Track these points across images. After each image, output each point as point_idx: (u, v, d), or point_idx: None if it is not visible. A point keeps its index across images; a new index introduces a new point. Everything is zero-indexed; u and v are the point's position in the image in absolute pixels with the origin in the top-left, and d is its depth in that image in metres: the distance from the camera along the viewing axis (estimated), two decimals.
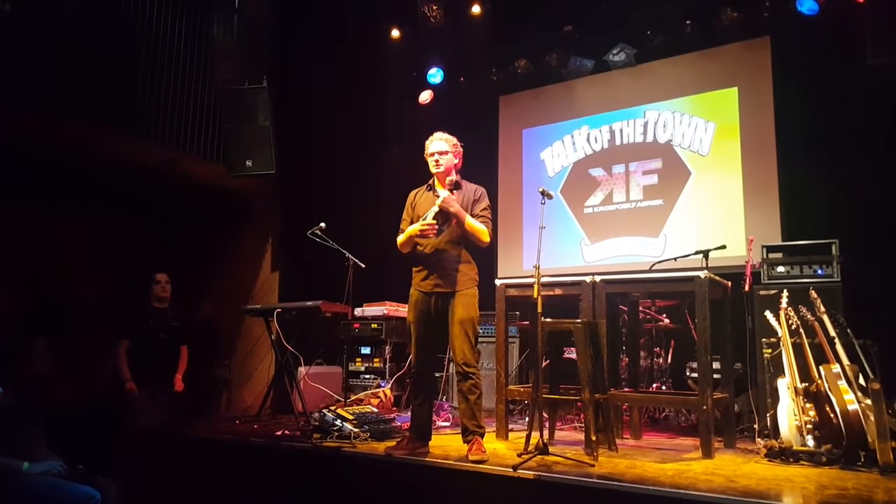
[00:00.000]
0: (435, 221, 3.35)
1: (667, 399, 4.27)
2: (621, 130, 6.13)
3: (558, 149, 6.45)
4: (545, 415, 3.63)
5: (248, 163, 5.41)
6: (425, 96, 6.71)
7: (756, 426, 3.90)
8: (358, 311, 5.21)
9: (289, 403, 4.43)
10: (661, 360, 4.90)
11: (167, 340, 4.60)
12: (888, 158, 4.50)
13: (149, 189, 5.48)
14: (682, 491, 2.63)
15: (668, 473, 2.97)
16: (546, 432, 3.49)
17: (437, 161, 3.49)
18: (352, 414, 3.85)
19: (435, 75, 6.63)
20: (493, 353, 4.37)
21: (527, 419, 4.06)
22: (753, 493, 2.64)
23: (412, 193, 3.62)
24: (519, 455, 3.13)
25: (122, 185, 5.27)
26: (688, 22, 5.60)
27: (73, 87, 4.55)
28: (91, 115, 4.67)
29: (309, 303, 4.36)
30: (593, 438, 3.32)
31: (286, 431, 3.96)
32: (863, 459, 3.20)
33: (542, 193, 3.52)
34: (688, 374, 4.74)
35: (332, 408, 3.95)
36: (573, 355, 4.23)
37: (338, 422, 3.74)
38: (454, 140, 3.57)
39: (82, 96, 4.59)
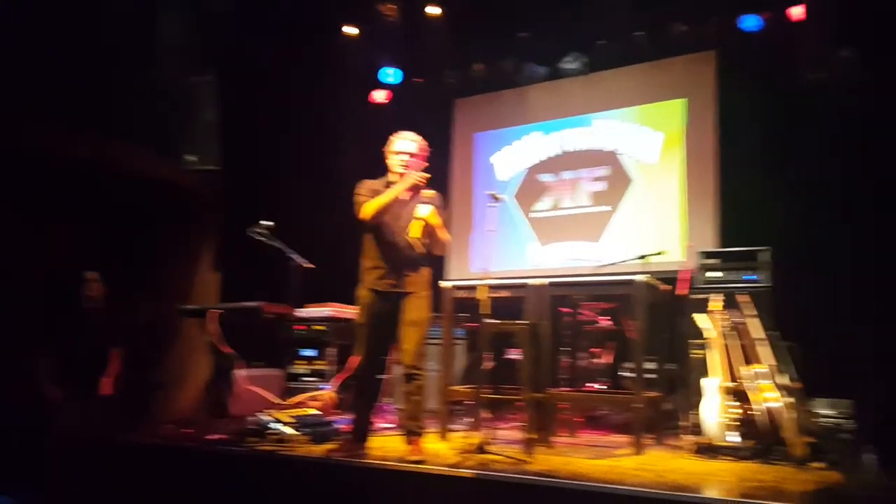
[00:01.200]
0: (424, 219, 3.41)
1: (602, 398, 4.54)
2: (571, 138, 6.41)
3: (510, 154, 6.70)
4: (487, 414, 3.83)
5: (192, 158, 5.41)
6: (380, 95, 6.86)
7: (685, 424, 4.20)
8: (302, 313, 5.27)
9: (226, 407, 4.46)
10: (600, 361, 5.17)
11: (98, 343, 4.58)
12: (821, 171, 4.88)
13: (82, 186, 5.41)
14: (612, 486, 2.86)
15: (601, 469, 3.20)
16: (487, 432, 3.69)
17: (404, 163, 3.49)
18: (291, 417, 3.90)
19: (391, 75, 6.79)
20: (438, 354, 4.54)
21: (470, 419, 4.25)
22: (680, 486, 2.89)
23: (370, 184, 3.57)
24: (459, 454, 3.32)
25: (53, 182, 5.18)
26: (639, 33, 5.91)
27: None
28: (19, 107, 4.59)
29: (250, 303, 4.42)
30: (531, 437, 3.54)
31: (220, 435, 3.95)
32: (781, 454, 3.52)
33: (492, 197, 3.70)
34: (623, 374, 5.03)
35: (271, 411, 4.00)
36: (517, 356, 4.44)
37: (274, 424, 3.79)
38: (425, 144, 3.59)
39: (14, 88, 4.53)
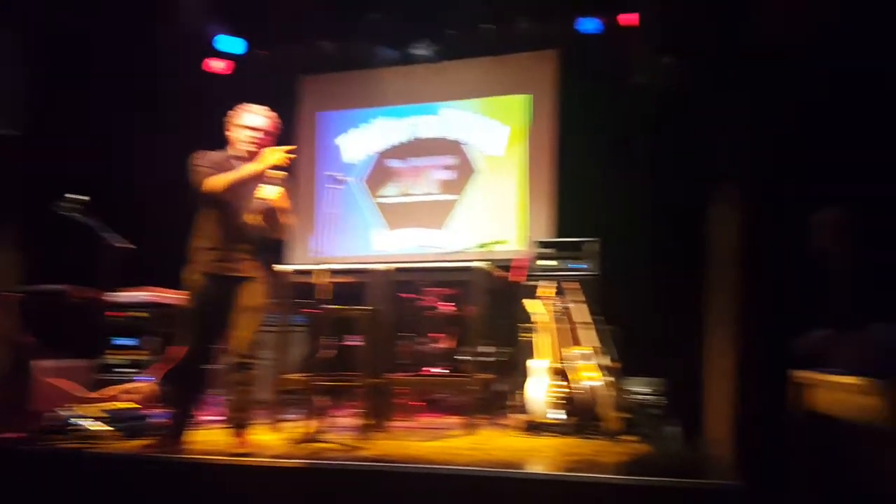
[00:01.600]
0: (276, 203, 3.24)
1: (438, 381, 4.67)
2: (420, 125, 6.49)
3: (358, 136, 6.65)
4: (326, 403, 3.79)
5: None
6: (217, 65, 6.49)
7: (516, 404, 4.45)
8: (115, 298, 4.78)
9: (24, 402, 4.02)
10: (441, 346, 5.32)
11: None
12: (650, 169, 5.32)
13: None
14: (443, 466, 2.96)
15: (433, 451, 3.30)
16: (323, 420, 3.65)
17: (254, 139, 3.32)
18: (102, 411, 3.59)
19: (234, 45, 6.45)
20: (273, 341, 4.41)
21: (305, 409, 4.18)
22: (506, 463, 3.05)
23: (211, 156, 3.34)
24: (290, 445, 3.26)
25: None
26: (487, 26, 6.08)
27: None
28: None
29: (53, 286, 4.01)
30: (368, 423, 3.56)
31: (17, 434, 3.53)
32: (599, 429, 3.84)
33: (334, 178, 3.64)
34: (462, 357, 5.23)
35: (76, 405, 3.65)
36: (359, 343, 4.44)
37: (77, 420, 3.47)
38: (278, 121, 3.42)
39: None
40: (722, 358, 3.53)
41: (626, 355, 4.47)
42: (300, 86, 6.82)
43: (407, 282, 4.84)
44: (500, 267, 4.67)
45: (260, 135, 3.35)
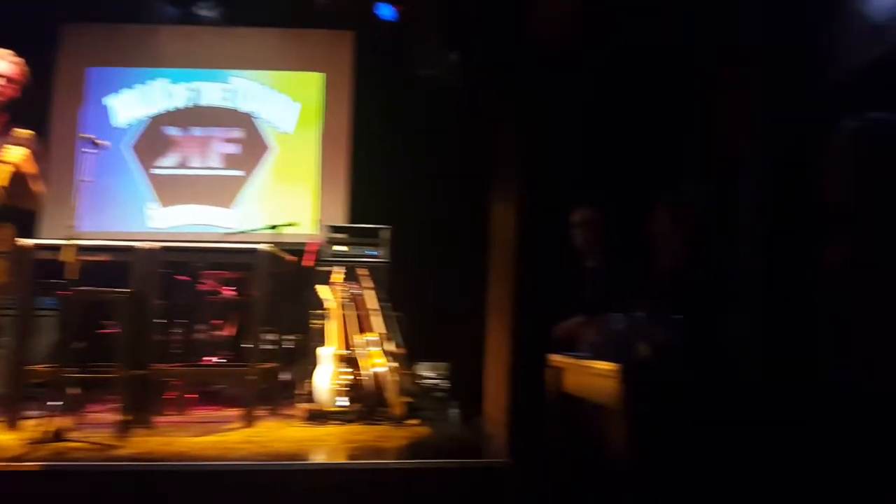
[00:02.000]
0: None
1: (213, 372, 4.44)
2: (205, 91, 6.05)
3: (130, 98, 6.02)
4: (77, 396, 3.39)
5: None
6: None
7: (302, 392, 4.38)
8: None
9: None
10: (223, 333, 5.05)
11: None
12: (441, 160, 5.48)
13: None
14: (211, 462, 2.80)
15: (203, 446, 3.11)
16: (73, 417, 3.27)
17: None
18: None
19: None
20: (13, 326, 3.85)
21: (54, 404, 3.71)
22: (282, 455, 2.97)
23: None
24: (28, 445, 2.87)
25: None
26: None
27: None
28: None
29: None
30: (126, 418, 3.26)
31: None
32: (383, 415, 3.91)
33: (91, 142, 3.26)
34: (246, 346, 5.03)
35: None
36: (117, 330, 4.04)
37: None
38: (25, 68, 2.99)
39: None
40: (499, 343, 3.78)
41: (413, 341, 4.62)
42: (63, 34, 6.02)
43: (185, 264, 4.52)
44: (291, 251, 4.55)
45: (2, 81, 2.95)
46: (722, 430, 1.40)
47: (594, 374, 1.66)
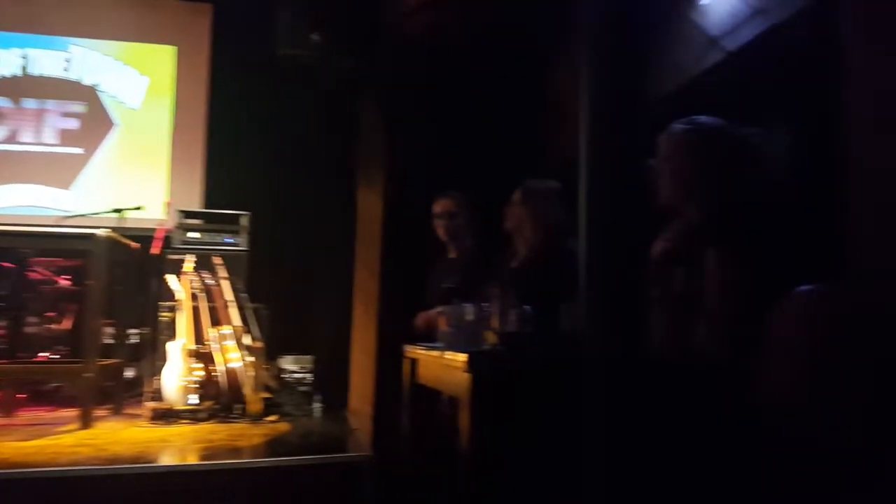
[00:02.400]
0: None
1: (45, 369, 4.09)
2: (39, 60, 5.52)
3: None
4: None
5: None
6: None
7: (149, 390, 4.14)
8: None
9: None
10: (58, 327, 4.66)
11: None
12: (305, 145, 5.33)
13: None
14: (35, 469, 2.56)
15: (29, 451, 2.85)
16: None
17: None
18: None
19: None
20: None
21: None
22: (120, 458, 2.77)
23: None
24: None
25: None
26: None
27: None
28: None
29: None
30: None
31: None
32: (239, 412, 3.77)
33: None
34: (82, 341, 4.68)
35: None
36: None
37: None
38: None
39: None
40: (365, 334, 3.77)
41: (275, 334, 4.49)
42: None
43: (9, 249, 4.11)
44: (138, 238, 4.26)
45: None
46: (566, 415, 1.46)
47: (444, 365, 1.69)
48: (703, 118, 1.79)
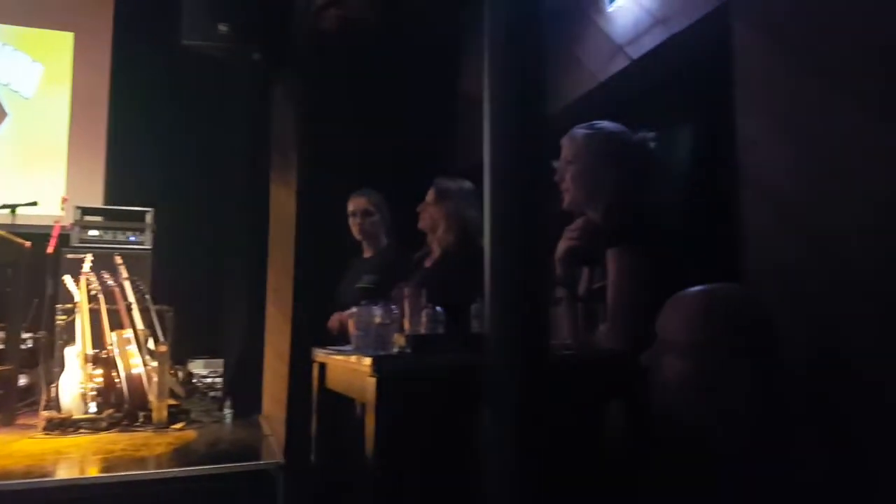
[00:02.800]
0: None
1: None
2: None
3: None
4: None
5: None
6: None
7: (46, 399, 3.95)
8: None
9: None
10: None
11: None
12: (213, 140, 5.18)
13: None
14: None
15: None
16: None
17: None
18: None
19: None
20: None
21: None
22: (11, 473, 2.60)
23: None
24: None
25: None
26: None
27: None
28: None
29: None
30: None
31: None
32: (142, 419, 3.64)
33: None
34: None
35: None
36: None
37: None
38: None
39: None
40: (279, 337, 3.71)
41: (184, 337, 4.35)
42: None
43: None
44: (31, 235, 4.05)
45: None
46: (473, 417, 1.50)
47: (352, 369, 1.70)
48: (603, 123, 1.88)
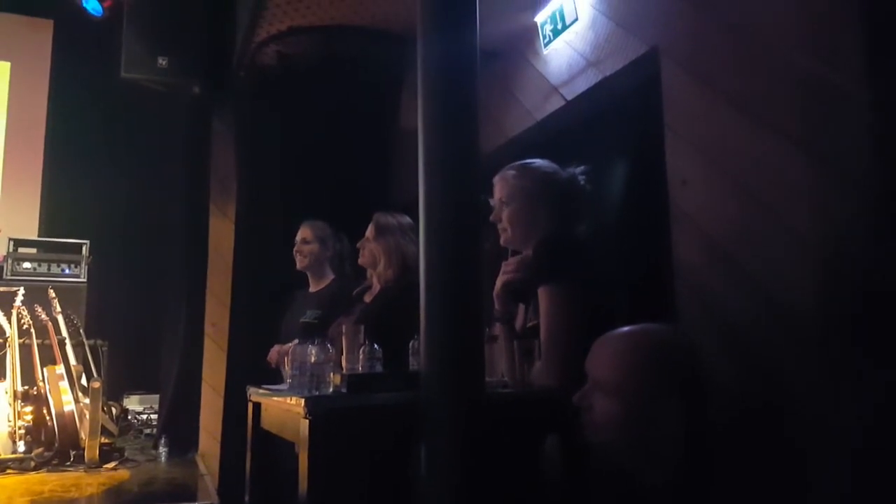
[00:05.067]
0: None
1: None
2: None
3: None
4: None
5: None
6: None
7: None
8: None
9: None
10: None
11: None
12: (153, 171, 5.00)
13: None
14: None
15: None
16: None
17: None
18: None
19: None
20: None
21: None
22: None
23: None
24: None
25: None
26: None
27: None
28: None
29: None
30: None
31: None
32: (73, 458, 3.43)
33: None
34: None
35: None
36: None
37: None
38: None
39: None
40: (215, 372, 3.57)
41: (118, 372, 4.15)
42: None
43: None
44: None
45: None
46: (409, 456, 1.45)
47: (285, 410, 1.62)
48: (534, 161, 1.89)
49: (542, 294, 1.68)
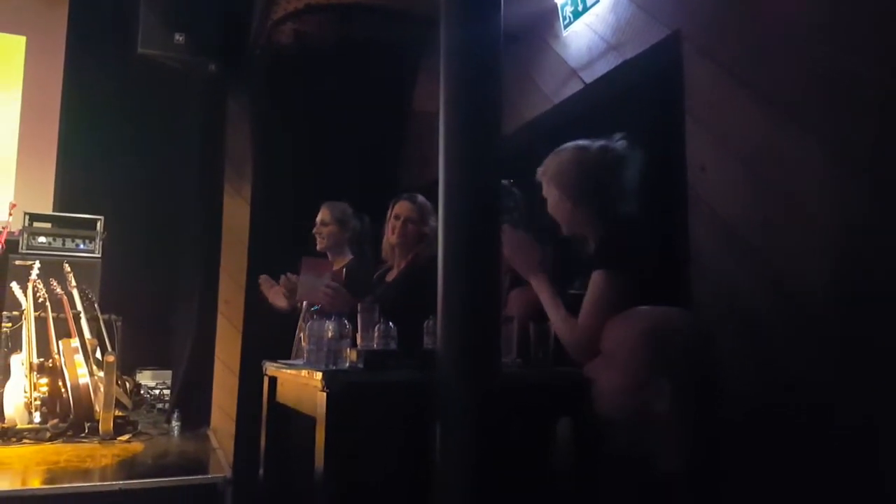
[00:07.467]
0: None
1: None
2: None
3: None
4: None
5: None
6: None
7: None
8: None
9: None
10: None
11: None
12: (169, 148, 5.04)
13: None
14: None
15: None
16: None
17: None
18: None
19: None
20: None
21: None
22: None
23: None
24: None
25: None
26: None
27: None
28: None
29: None
30: None
31: None
32: (88, 430, 3.50)
33: None
34: None
35: None
36: None
37: None
38: None
39: None
40: (229, 348, 3.63)
41: (133, 347, 4.22)
42: None
43: None
44: None
45: None
46: (423, 434, 1.48)
47: (302, 384, 1.66)
48: (564, 145, 1.87)
49: (598, 277, 1.66)
